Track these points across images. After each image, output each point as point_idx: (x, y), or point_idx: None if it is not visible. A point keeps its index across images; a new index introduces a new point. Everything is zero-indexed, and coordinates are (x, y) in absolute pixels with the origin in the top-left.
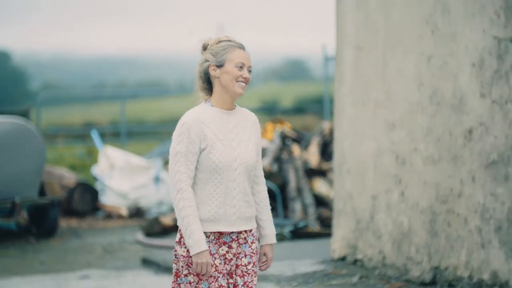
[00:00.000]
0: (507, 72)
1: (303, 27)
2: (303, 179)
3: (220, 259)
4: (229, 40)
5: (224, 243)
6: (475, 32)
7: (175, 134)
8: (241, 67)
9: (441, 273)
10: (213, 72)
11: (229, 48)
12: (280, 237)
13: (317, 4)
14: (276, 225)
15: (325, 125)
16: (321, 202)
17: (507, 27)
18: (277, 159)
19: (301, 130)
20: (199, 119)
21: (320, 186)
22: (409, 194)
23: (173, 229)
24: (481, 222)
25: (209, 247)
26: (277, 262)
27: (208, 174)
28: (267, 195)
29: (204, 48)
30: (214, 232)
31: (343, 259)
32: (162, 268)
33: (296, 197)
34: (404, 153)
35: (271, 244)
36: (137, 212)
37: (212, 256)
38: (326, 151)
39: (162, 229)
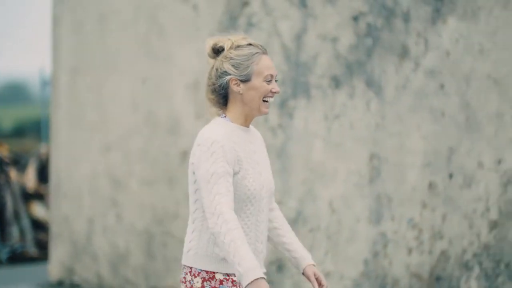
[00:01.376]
0: None
1: (22, 50)
2: (20, 202)
3: None
4: (250, 44)
5: None
6: (190, 54)
7: (204, 155)
8: (269, 80)
9: None
10: (236, 88)
11: (254, 58)
12: None
13: (37, 26)
14: None
15: (43, 148)
16: (39, 226)
17: None
18: None
19: (19, 153)
20: (229, 137)
21: (37, 209)
22: (125, 216)
23: None
24: None
25: None
26: None
27: (240, 204)
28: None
29: (215, 51)
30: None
31: (60, 283)
32: None
33: (13, 221)
34: (120, 176)
35: (313, 265)
36: None
37: None
38: (44, 175)
39: None
